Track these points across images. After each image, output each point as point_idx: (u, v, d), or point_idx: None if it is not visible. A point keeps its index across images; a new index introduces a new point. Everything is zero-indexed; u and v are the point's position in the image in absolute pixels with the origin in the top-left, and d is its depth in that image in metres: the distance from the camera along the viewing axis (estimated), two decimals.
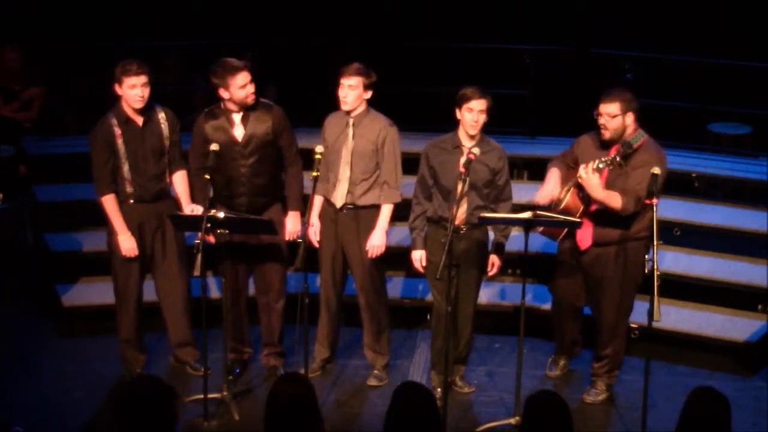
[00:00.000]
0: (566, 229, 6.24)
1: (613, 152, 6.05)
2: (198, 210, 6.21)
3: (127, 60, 6.20)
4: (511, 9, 9.94)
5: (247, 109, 6.27)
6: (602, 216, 6.08)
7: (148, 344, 6.80)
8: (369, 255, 6.39)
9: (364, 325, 6.68)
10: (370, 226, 6.40)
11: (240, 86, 6.16)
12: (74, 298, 7.53)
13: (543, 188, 6.23)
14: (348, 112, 6.32)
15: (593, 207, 6.09)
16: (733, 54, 9.04)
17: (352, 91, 6.24)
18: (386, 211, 6.41)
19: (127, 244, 6.33)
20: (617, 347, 6.40)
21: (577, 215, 6.08)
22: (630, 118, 6.01)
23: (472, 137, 6.09)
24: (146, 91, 6.20)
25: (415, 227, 6.32)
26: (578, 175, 5.95)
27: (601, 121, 6.03)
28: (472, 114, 6.03)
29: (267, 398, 3.96)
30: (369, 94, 6.30)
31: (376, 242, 6.39)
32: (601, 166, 5.91)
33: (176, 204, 6.53)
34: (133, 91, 6.16)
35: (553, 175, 6.25)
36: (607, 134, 6.04)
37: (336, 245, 6.49)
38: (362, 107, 6.32)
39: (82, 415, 6.26)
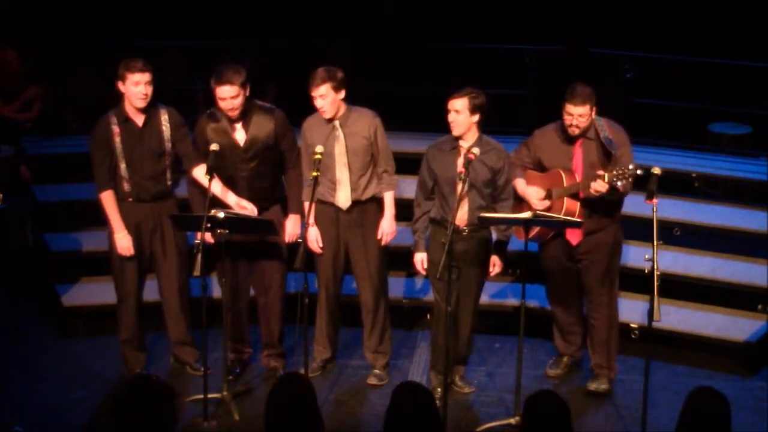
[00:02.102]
0: (556, 231, 6.28)
1: (578, 146, 6.16)
2: (246, 205, 6.22)
3: (132, 58, 6.19)
4: (511, 9, 9.94)
5: (247, 113, 6.25)
6: (590, 206, 6.16)
7: (148, 344, 6.80)
8: (384, 242, 6.42)
9: (364, 325, 6.68)
10: (372, 219, 6.42)
11: (220, 98, 6.14)
12: (74, 298, 7.53)
13: (531, 196, 6.26)
14: (331, 118, 6.29)
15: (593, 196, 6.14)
16: (733, 54, 9.04)
17: (324, 99, 6.19)
18: (390, 197, 6.44)
19: (123, 242, 6.32)
20: (612, 337, 6.41)
21: (576, 215, 6.11)
22: (594, 111, 6.12)
23: (459, 137, 6.08)
24: (149, 90, 6.19)
25: (416, 229, 6.33)
26: (595, 190, 5.93)
27: (574, 122, 6.09)
28: (450, 114, 6.05)
29: (267, 398, 3.96)
30: (342, 94, 6.25)
31: (387, 228, 6.42)
32: (613, 181, 5.89)
33: (177, 204, 6.53)
34: (137, 88, 6.15)
35: (523, 183, 6.31)
36: (577, 131, 6.12)
37: (336, 246, 6.48)
38: (343, 108, 6.30)
39: (82, 415, 6.26)
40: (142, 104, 6.21)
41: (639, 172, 5.84)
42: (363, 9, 9.84)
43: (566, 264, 6.40)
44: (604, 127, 6.16)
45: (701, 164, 8.55)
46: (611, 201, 6.15)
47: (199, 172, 6.35)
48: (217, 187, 6.26)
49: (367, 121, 6.33)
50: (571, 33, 9.60)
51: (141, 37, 9.35)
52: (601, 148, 6.15)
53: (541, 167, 6.34)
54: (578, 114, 6.05)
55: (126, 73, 6.14)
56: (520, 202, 6.34)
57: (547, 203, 6.23)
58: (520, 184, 6.33)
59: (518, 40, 9.31)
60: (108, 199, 6.31)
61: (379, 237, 6.43)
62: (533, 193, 6.28)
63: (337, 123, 6.30)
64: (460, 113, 6.02)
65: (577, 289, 6.51)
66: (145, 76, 6.14)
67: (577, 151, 6.18)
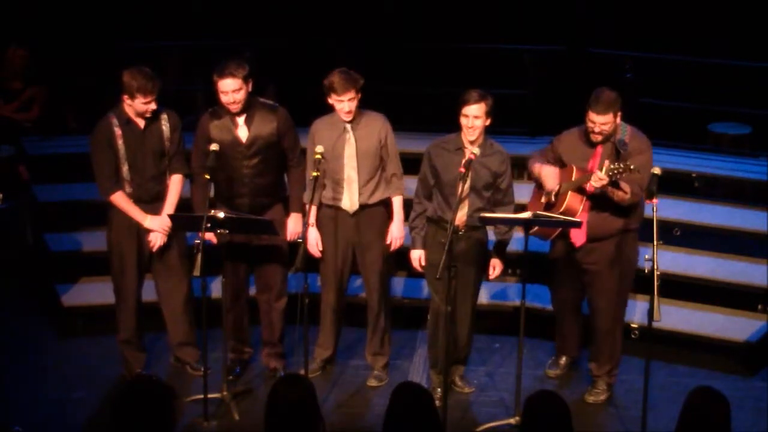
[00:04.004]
0: (559, 229, 6.25)
1: (599, 150, 6.07)
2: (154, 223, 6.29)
3: (139, 73, 6.09)
4: (511, 9, 9.94)
5: (250, 110, 6.25)
6: (596, 211, 6.10)
7: (148, 344, 6.79)
8: (393, 247, 6.44)
9: (368, 326, 6.68)
10: (379, 222, 6.42)
11: (222, 92, 6.12)
12: (74, 298, 7.53)
13: (546, 176, 6.16)
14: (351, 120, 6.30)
15: (588, 204, 6.09)
16: (733, 54, 9.04)
17: (352, 102, 6.20)
18: (399, 202, 6.45)
19: (155, 223, 6.31)
20: (615, 346, 6.40)
21: (577, 216, 6.08)
22: (618, 117, 6.03)
23: (471, 142, 6.08)
24: (156, 104, 6.18)
25: (414, 226, 6.32)
26: (590, 184, 5.89)
27: (596, 129, 6.00)
28: (467, 120, 6.02)
29: (267, 399, 3.96)
30: (360, 95, 6.28)
31: (397, 234, 6.43)
32: (611, 174, 5.80)
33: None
34: (146, 106, 6.14)
35: (539, 166, 6.22)
36: (600, 138, 6.03)
37: (343, 247, 6.47)
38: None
39: (82, 415, 6.26)
40: (149, 115, 6.20)
41: (632, 167, 5.75)
42: (363, 9, 9.84)
43: (572, 265, 6.36)
44: (626, 132, 6.07)
45: (701, 164, 8.55)
46: (617, 207, 6.05)
47: (171, 181, 6.38)
48: (171, 191, 6.32)
49: (378, 124, 6.33)
50: (571, 33, 9.60)
51: (141, 37, 9.35)
52: (616, 150, 6.05)
53: (562, 166, 6.29)
54: (600, 122, 5.96)
55: (137, 94, 6.10)
56: (540, 189, 6.31)
57: (555, 190, 6.19)
58: (536, 168, 6.24)
59: (518, 40, 9.31)
60: (120, 199, 6.30)
61: (388, 242, 6.43)
62: (549, 173, 6.14)
63: (348, 126, 6.29)
64: (479, 118, 6.01)
65: (578, 293, 6.49)
66: (155, 96, 6.13)
67: (597, 152, 6.09)
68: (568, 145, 6.25)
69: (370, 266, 6.49)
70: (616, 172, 5.79)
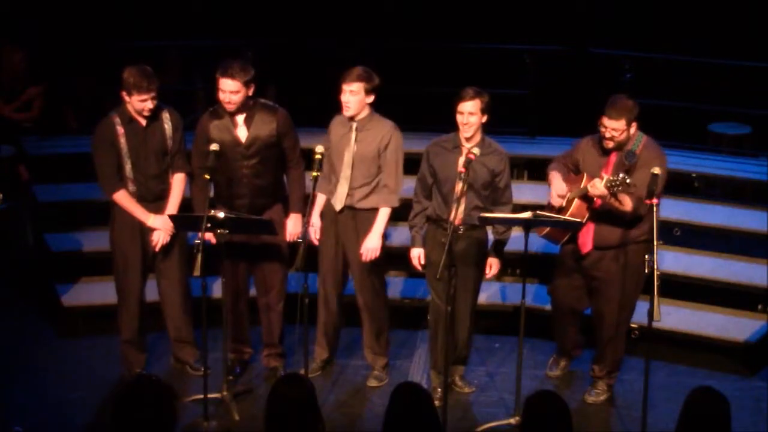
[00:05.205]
0: (569, 234, 6.24)
1: (613, 159, 6.05)
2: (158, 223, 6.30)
3: (137, 70, 6.10)
4: (511, 9, 9.95)
5: (250, 111, 6.25)
6: (603, 220, 6.08)
7: (148, 344, 6.79)
8: (363, 258, 6.36)
9: (363, 325, 6.68)
10: (368, 227, 6.38)
11: (221, 90, 6.13)
12: (74, 298, 7.53)
13: (554, 189, 6.21)
14: (351, 116, 6.30)
15: (596, 207, 6.08)
16: (733, 54, 9.04)
17: (353, 96, 6.20)
18: (384, 214, 6.37)
19: (158, 222, 6.31)
20: (617, 351, 6.40)
21: (583, 222, 6.06)
22: (634, 126, 6.01)
23: (467, 139, 6.08)
24: (154, 103, 6.18)
25: (414, 225, 6.32)
26: (588, 192, 5.92)
27: (607, 135, 5.98)
28: (462, 116, 6.01)
29: (267, 398, 3.96)
30: (371, 99, 6.26)
31: (371, 245, 6.34)
32: (609, 186, 5.77)
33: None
34: (143, 104, 6.14)
35: (558, 177, 6.25)
36: (612, 145, 6.01)
37: (337, 245, 6.48)
38: (366, 111, 6.29)
39: (82, 415, 6.26)
40: (147, 113, 6.20)
41: (628, 181, 5.72)
42: (363, 9, 9.85)
43: (576, 269, 6.33)
44: (638, 145, 6.03)
45: (701, 164, 8.55)
46: (623, 218, 6.00)
47: (174, 181, 6.39)
48: (174, 191, 6.34)
49: (382, 131, 6.31)
50: (571, 33, 9.60)
51: (141, 37, 9.35)
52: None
53: (578, 173, 6.29)
54: (612, 127, 5.93)
55: (133, 91, 6.11)
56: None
57: (562, 201, 6.19)
58: (551, 175, 6.26)
59: (518, 40, 9.32)
60: (123, 197, 6.30)
61: (360, 251, 6.36)
62: (556, 187, 6.19)
63: (354, 125, 6.29)
64: (474, 115, 6.00)
65: (579, 297, 6.47)
66: (152, 93, 6.13)
67: (611, 161, 6.08)
68: (584, 151, 6.24)
69: (354, 266, 6.49)
70: (613, 184, 5.77)
